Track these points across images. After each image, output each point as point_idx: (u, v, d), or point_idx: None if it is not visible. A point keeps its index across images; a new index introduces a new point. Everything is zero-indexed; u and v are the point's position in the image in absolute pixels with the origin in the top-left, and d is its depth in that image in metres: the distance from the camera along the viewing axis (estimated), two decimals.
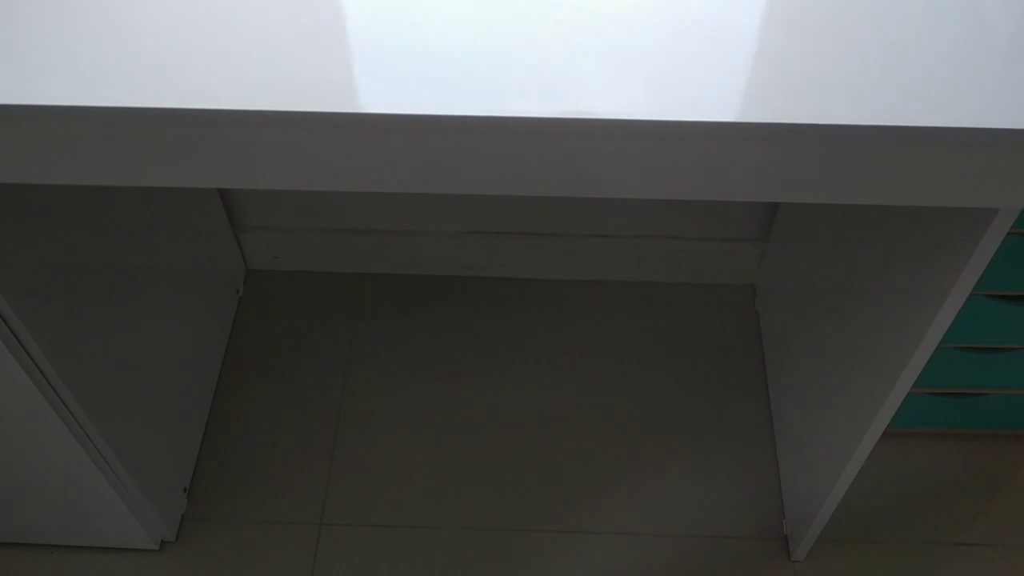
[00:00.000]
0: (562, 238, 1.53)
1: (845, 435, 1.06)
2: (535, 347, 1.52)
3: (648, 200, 1.47)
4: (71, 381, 1.01)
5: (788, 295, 1.40)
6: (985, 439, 1.41)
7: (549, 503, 1.36)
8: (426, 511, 1.35)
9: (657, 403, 1.46)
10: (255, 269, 1.62)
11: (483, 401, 1.46)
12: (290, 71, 0.66)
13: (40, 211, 0.95)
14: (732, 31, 0.69)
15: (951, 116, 0.63)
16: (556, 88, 0.65)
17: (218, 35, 0.68)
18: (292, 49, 0.67)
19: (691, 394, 1.47)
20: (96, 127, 0.66)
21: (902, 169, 0.66)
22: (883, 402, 0.94)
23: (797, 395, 1.32)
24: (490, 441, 1.42)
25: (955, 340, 1.02)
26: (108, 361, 1.11)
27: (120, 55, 0.67)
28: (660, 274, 1.58)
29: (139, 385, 1.20)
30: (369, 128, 0.65)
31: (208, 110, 0.64)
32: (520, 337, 1.53)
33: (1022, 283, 0.93)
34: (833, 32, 0.68)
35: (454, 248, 1.56)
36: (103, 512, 1.22)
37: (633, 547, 1.33)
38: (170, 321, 1.31)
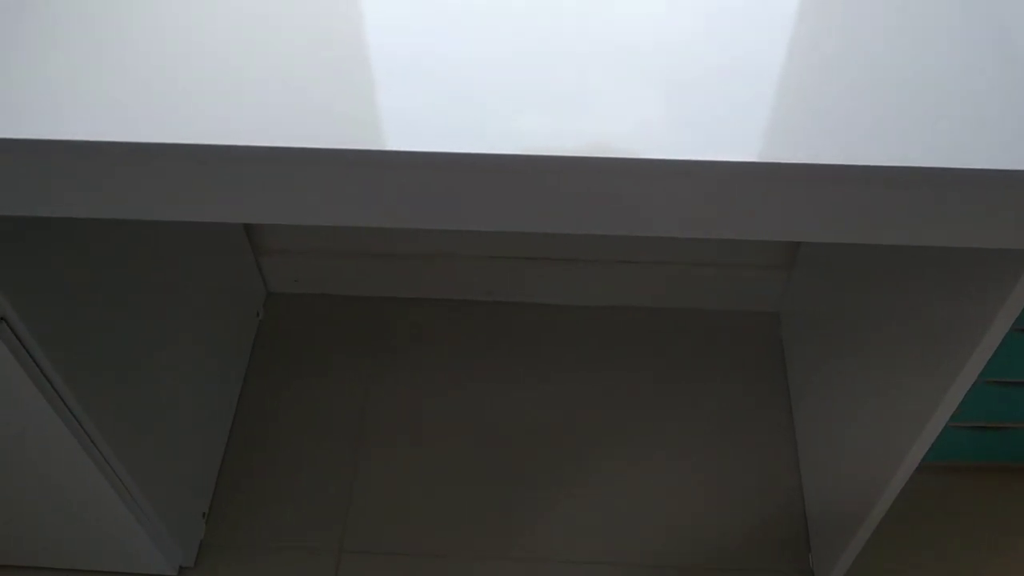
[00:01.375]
0: (585, 264, 1.52)
1: (876, 468, 1.04)
2: (557, 373, 1.50)
3: None
4: (89, 405, 1.00)
5: (814, 323, 1.38)
6: (1017, 472, 1.38)
7: (570, 530, 1.34)
8: (446, 539, 1.34)
9: (678, 431, 1.44)
10: (275, 292, 1.61)
11: (505, 426, 1.45)
12: (312, 106, 0.65)
13: (60, 233, 0.95)
14: (761, 67, 0.67)
15: (988, 157, 0.61)
16: (581, 125, 0.64)
17: (239, 69, 0.68)
18: (314, 84, 0.67)
19: (713, 422, 1.45)
20: (106, 162, 0.66)
21: (939, 210, 0.64)
22: (919, 436, 0.91)
23: (824, 426, 1.30)
24: (513, 467, 1.40)
25: (990, 375, 1.00)
26: (127, 384, 1.10)
27: (140, 89, 0.66)
28: (683, 300, 1.57)
29: (158, 409, 1.19)
30: (388, 165, 0.64)
31: (225, 146, 0.63)
32: (542, 363, 1.52)
33: None
34: (865, 69, 0.67)
35: (475, 273, 1.55)
36: (122, 537, 1.20)
37: None
38: (190, 344, 1.30)
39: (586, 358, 1.52)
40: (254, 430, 1.45)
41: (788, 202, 0.65)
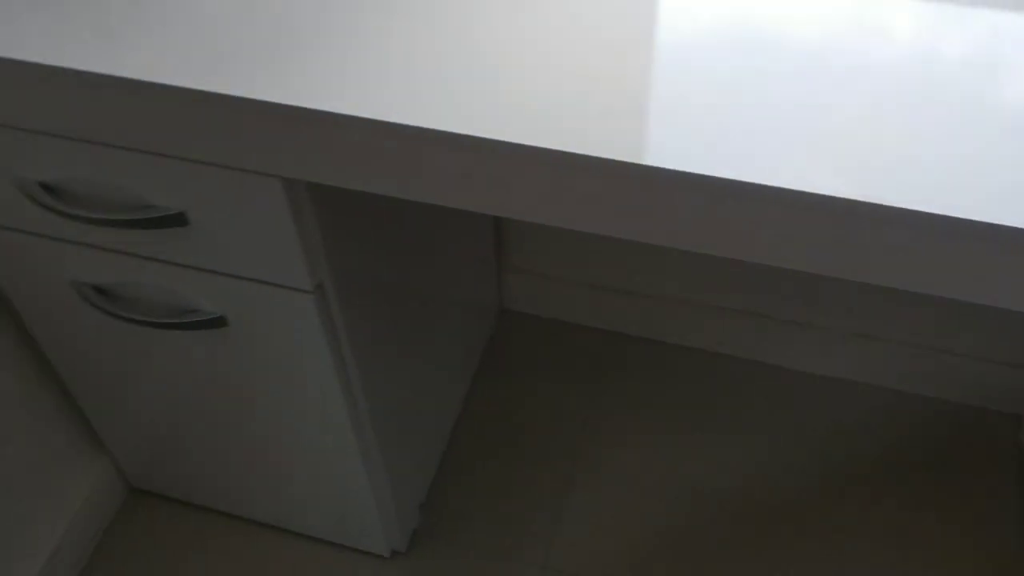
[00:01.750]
0: (823, 331, 1.50)
1: None
2: (775, 436, 1.49)
3: (919, 305, 1.42)
4: (365, 383, 1.07)
5: None
6: None
7: None
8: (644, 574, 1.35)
9: (901, 522, 1.40)
10: (510, 309, 1.67)
11: (720, 480, 1.44)
12: (590, 115, 0.70)
13: (364, 228, 1.03)
14: None
15: None
16: (854, 168, 0.65)
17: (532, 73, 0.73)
18: (598, 97, 0.71)
19: (939, 518, 1.40)
20: (416, 145, 0.72)
21: None
22: None
23: None
24: (719, 518, 1.40)
25: None
26: (394, 370, 1.18)
27: (451, 80, 0.72)
28: (919, 386, 1.52)
29: (409, 398, 1.27)
30: (657, 183, 0.68)
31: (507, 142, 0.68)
32: (763, 424, 1.51)
33: None
34: None
35: (708, 322, 1.56)
36: (355, 512, 1.28)
37: None
38: (440, 345, 1.37)
39: (806, 429, 1.50)
40: (474, 436, 1.51)
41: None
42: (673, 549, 1.37)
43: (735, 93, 0.71)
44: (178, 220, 0.88)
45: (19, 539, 1.25)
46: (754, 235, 0.69)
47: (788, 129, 0.68)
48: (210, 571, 1.36)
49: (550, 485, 1.45)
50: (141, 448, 1.33)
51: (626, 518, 1.41)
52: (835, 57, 0.74)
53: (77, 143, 0.85)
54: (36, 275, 1.04)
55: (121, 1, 0.82)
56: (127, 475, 1.43)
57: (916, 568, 1.34)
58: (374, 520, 1.29)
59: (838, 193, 0.64)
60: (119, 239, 0.94)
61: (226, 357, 1.06)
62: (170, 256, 0.94)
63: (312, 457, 1.20)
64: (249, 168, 0.80)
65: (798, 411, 1.52)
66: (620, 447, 1.49)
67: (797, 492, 1.42)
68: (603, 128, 0.69)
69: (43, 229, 0.97)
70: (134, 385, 1.18)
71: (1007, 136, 0.67)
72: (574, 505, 1.42)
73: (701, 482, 1.44)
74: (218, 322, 1.00)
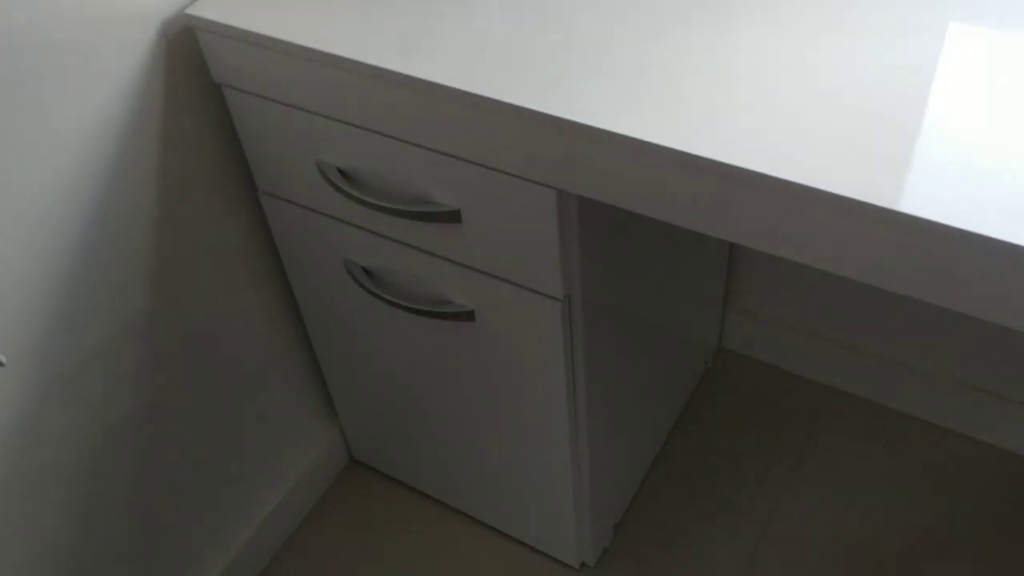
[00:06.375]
0: None
1: None
2: (977, 532, 1.42)
3: None
4: (589, 392, 1.12)
5: None
6: None
7: None
8: None
9: None
10: (727, 349, 1.68)
11: (900, 553, 1.39)
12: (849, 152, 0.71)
13: (614, 250, 1.07)
14: None
15: None
16: None
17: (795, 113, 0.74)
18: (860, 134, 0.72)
19: None
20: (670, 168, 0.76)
21: None
22: None
23: None
24: None
25: None
26: (612, 392, 1.22)
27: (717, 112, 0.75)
28: None
29: (619, 420, 1.30)
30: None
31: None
32: (967, 512, 1.44)
33: None
34: None
35: (931, 392, 1.50)
36: (552, 517, 1.32)
37: None
38: (652, 372, 1.40)
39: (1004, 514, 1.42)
40: (673, 467, 1.52)
41: None
42: None
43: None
44: (453, 217, 0.95)
45: (251, 487, 1.38)
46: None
47: None
48: (410, 550, 1.45)
49: (745, 530, 1.44)
50: (369, 423, 1.44)
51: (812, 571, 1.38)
52: None
53: (375, 135, 0.94)
54: (315, 251, 1.16)
55: (436, 14, 0.91)
56: (351, 447, 1.54)
57: None
58: (570, 530, 1.33)
59: None
60: (396, 228, 1.04)
61: (466, 350, 1.14)
62: (436, 249, 1.03)
63: (526, 458, 1.25)
64: (529, 177, 0.86)
65: (1010, 501, 1.44)
66: (823, 507, 1.46)
67: None
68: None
69: (331, 211, 1.08)
70: (376, 363, 1.28)
71: None
72: (767, 553, 1.40)
73: (889, 551, 1.39)
74: (467, 316, 1.07)
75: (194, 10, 0.97)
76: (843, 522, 1.43)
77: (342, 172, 1.01)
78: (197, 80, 1.05)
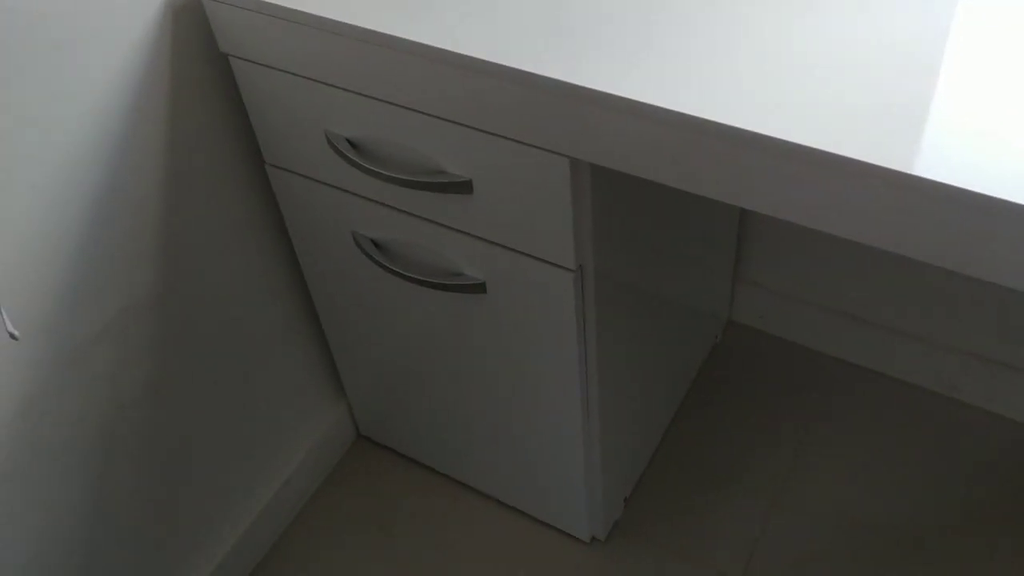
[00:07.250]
0: None
1: None
2: (984, 492, 1.41)
3: None
4: (600, 363, 1.11)
5: None
6: None
7: None
8: None
9: None
10: (737, 322, 1.67)
11: (917, 526, 1.39)
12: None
13: (627, 221, 1.06)
14: None
15: None
16: None
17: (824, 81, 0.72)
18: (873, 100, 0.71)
19: None
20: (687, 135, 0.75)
21: None
22: None
23: None
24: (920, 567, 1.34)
25: None
26: (623, 365, 1.21)
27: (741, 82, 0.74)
28: None
29: (630, 393, 1.29)
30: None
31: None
32: (985, 478, 1.43)
33: None
34: None
35: (943, 363, 1.50)
36: (563, 490, 1.32)
37: None
38: (662, 345, 1.39)
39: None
40: (684, 439, 1.52)
41: None
42: None
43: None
44: (465, 187, 0.94)
45: (260, 463, 1.38)
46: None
47: None
48: (418, 524, 1.45)
49: (755, 502, 1.43)
50: (377, 399, 1.43)
51: (826, 552, 1.37)
52: None
53: (384, 104, 0.93)
54: (322, 223, 1.15)
55: None
56: (358, 422, 1.54)
57: None
58: (581, 504, 1.33)
59: None
60: (406, 199, 1.02)
61: (477, 322, 1.13)
62: (448, 220, 1.01)
63: (536, 433, 1.25)
64: (542, 146, 0.85)
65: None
66: (832, 478, 1.45)
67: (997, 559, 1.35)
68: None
69: (339, 182, 1.07)
70: (385, 337, 1.28)
71: None
72: (777, 527, 1.40)
73: (906, 524, 1.39)
74: (478, 288, 1.06)
75: None
76: (853, 494, 1.43)
77: (351, 143, 1.00)
78: (203, 51, 1.04)
